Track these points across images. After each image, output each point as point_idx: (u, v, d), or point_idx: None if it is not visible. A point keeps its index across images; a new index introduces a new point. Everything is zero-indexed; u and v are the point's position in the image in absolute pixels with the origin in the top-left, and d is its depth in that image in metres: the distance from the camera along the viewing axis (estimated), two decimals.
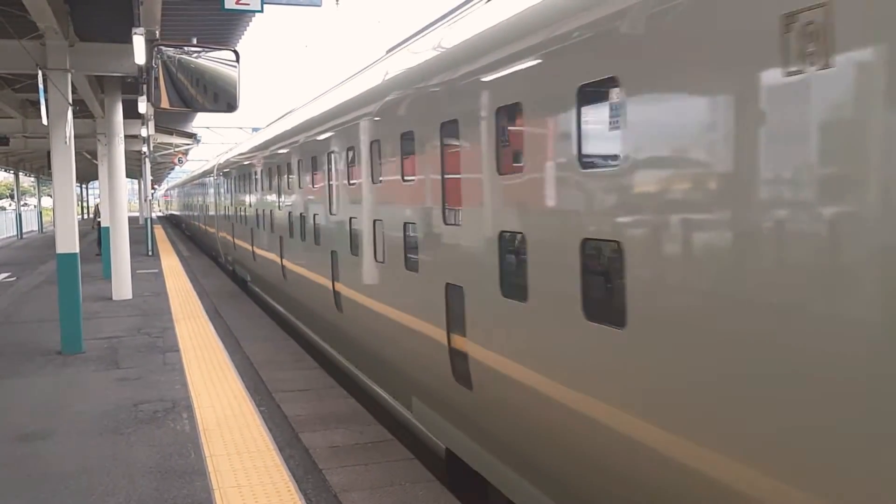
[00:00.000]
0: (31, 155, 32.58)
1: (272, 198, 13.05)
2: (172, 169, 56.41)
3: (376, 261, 7.31)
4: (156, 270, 20.91)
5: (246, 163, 16.55)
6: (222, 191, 21.52)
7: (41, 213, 48.59)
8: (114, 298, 15.31)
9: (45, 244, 30.61)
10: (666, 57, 3.26)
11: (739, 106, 2.92)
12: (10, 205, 58.97)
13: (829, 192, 2.58)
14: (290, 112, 13.34)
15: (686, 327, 3.20)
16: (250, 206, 15.77)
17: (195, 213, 34.04)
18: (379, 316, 7.21)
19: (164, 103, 7.78)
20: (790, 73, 2.67)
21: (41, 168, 39.18)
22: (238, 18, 13.34)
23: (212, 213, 24.94)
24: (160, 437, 6.79)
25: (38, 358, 10.13)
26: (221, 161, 22.49)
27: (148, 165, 27.84)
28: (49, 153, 10.83)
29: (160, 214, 72.42)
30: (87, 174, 43.56)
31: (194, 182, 35.48)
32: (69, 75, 10.54)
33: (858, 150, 2.47)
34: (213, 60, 7.86)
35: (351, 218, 8.18)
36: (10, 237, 40.72)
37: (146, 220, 29.03)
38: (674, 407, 3.30)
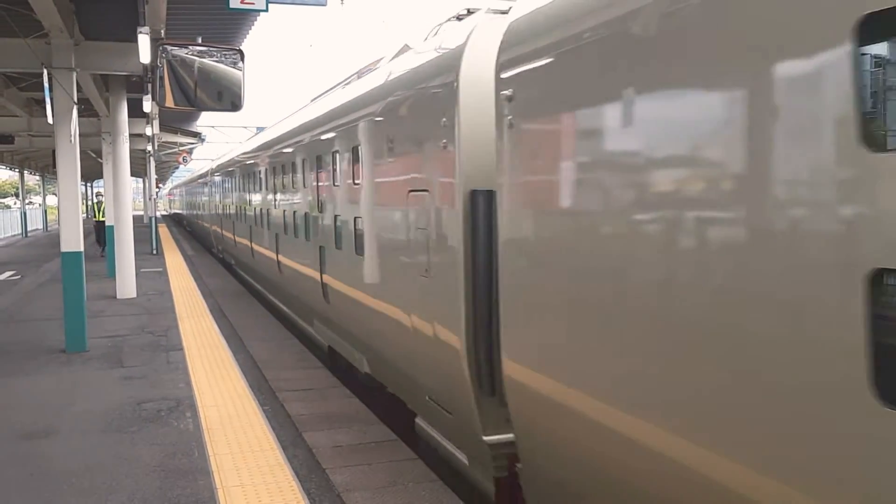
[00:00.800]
0: (36, 153, 32.65)
1: (245, 197, 17.37)
2: (177, 168, 56.52)
3: (295, 237, 11.08)
4: (160, 269, 20.95)
5: (227, 170, 21.33)
6: (213, 191, 25.82)
7: (46, 211, 48.71)
8: (118, 297, 15.35)
9: (50, 242, 30.74)
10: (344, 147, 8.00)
11: (377, 167, 7.05)
12: (16, 203, 59.13)
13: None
14: (252, 137, 19.97)
15: (378, 251, 6.94)
16: (231, 204, 20.12)
17: (193, 212, 39.08)
18: (296, 272, 11.06)
19: (169, 102, 7.80)
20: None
21: (46, 167, 39.23)
22: (243, 18, 13.35)
23: (205, 210, 29.20)
24: (164, 436, 6.80)
25: (42, 356, 10.16)
26: (211, 168, 27.81)
27: (153, 164, 27.89)
28: (54, 152, 10.83)
29: (164, 213, 72.46)
30: (91, 173, 43.63)
31: (193, 183, 39.46)
32: (74, 74, 10.54)
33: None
34: (217, 60, 7.88)
35: (283, 211, 12.09)
36: (15, 235, 40.84)
37: (150, 218, 29.03)
38: (381, 288, 6.92)
